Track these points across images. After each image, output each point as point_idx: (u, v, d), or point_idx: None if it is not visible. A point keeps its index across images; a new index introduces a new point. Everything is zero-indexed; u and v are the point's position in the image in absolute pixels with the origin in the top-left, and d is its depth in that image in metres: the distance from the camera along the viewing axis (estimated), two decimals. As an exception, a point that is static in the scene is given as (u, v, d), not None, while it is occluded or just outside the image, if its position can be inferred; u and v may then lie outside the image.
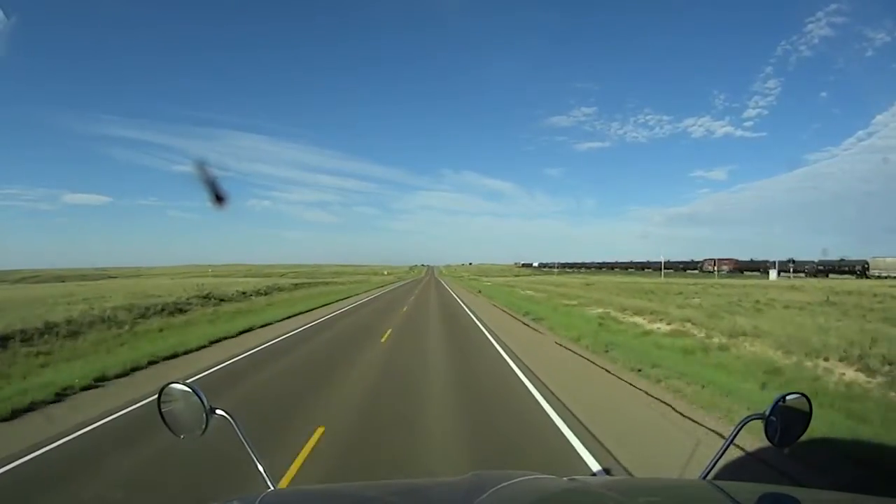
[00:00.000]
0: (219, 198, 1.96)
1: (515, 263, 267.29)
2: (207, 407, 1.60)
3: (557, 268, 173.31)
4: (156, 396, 1.68)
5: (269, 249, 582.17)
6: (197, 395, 1.61)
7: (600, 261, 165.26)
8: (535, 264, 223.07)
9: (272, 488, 1.55)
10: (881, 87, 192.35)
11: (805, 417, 1.65)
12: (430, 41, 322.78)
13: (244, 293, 31.48)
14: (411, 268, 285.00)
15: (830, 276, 76.93)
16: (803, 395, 1.68)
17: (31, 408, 7.37)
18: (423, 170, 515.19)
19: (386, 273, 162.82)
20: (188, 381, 1.66)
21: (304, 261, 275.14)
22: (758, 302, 24.40)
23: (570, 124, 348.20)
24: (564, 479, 1.51)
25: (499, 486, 1.31)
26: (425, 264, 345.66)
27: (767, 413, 1.61)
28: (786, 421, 1.62)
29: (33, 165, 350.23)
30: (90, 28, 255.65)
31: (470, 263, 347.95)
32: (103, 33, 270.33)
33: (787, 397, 1.65)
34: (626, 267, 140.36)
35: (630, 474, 4.77)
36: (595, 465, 5.06)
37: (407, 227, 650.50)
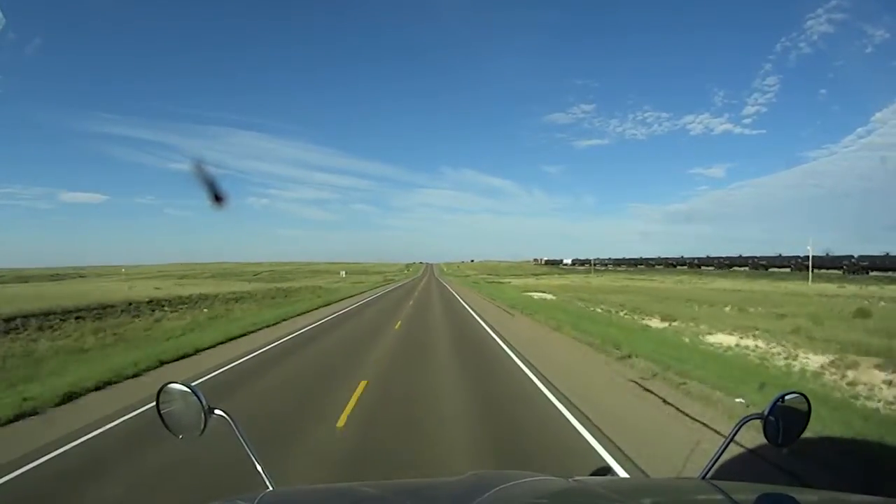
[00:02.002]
0: (218, 197, 1.85)
1: (535, 260, 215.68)
2: (206, 407, 1.58)
3: (597, 265, 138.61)
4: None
5: (266, 247, 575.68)
6: (196, 395, 1.58)
7: (634, 256, 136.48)
8: (567, 261, 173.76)
9: (271, 488, 1.51)
10: (881, 84, 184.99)
11: (804, 417, 1.60)
12: (428, 39, 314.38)
13: None
14: (407, 266, 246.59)
15: None
16: (802, 394, 1.62)
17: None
18: (421, 167, 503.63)
19: (343, 274, 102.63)
20: (187, 382, 1.62)
21: (302, 258, 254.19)
22: None
23: (568, 121, 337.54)
24: (564, 479, 1.48)
25: (499, 487, 1.30)
26: (423, 262, 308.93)
27: (766, 413, 1.56)
28: (785, 420, 1.56)
29: (29, 164, 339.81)
30: (87, 26, 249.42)
31: (472, 260, 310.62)
32: (100, 31, 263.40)
33: (787, 397, 1.59)
34: (673, 264, 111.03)
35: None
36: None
37: (405, 225, 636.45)
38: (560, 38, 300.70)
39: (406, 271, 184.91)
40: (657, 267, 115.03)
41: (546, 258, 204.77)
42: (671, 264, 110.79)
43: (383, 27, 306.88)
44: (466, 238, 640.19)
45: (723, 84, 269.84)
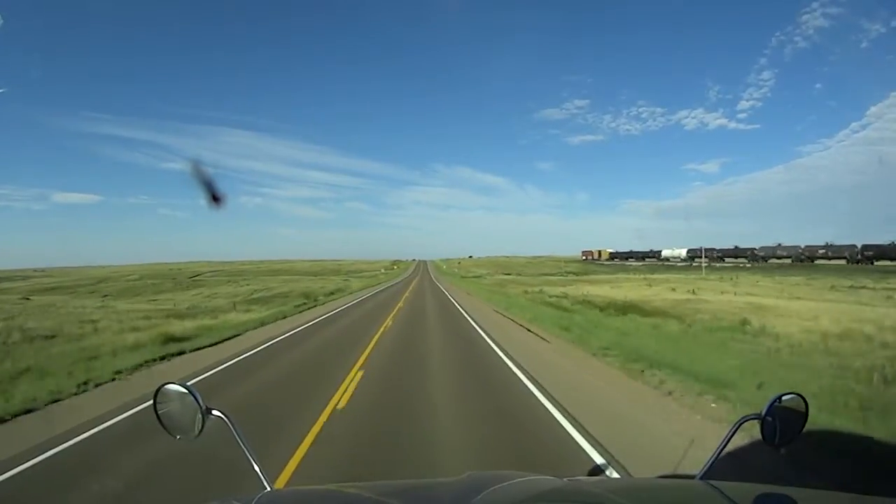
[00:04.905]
0: (215, 197, 1.77)
1: (585, 254, 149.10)
2: (203, 408, 1.55)
3: (756, 260, 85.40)
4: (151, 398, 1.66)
5: (259, 246, 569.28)
6: (193, 395, 1.56)
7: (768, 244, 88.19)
8: (679, 252, 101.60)
9: (268, 489, 1.49)
10: (876, 78, 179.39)
11: (801, 417, 1.58)
12: (423, 38, 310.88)
13: None
14: (393, 263, 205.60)
15: None
16: (799, 395, 1.60)
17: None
18: (415, 165, 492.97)
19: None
20: (184, 383, 1.58)
21: (298, 256, 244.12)
22: None
23: (562, 117, 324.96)
24: (560, 479, 1.46)
25: (495, 487, 1.29)
26: (415, 258, 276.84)
27: (764, 413, 1.55)
28: (782, 421, 1.55)
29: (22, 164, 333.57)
30: (80, 26, 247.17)
31: (469, 257, 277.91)
32: (93, 31, 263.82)
33: (784, 397, 1.57)
34: (834, 255, 72.42)
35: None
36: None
37: (399, 223, 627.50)
38: (554, 35, 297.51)
39: (393, 269, 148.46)
40: (805, 261, 73.28)
41: (610, 250, 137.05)
42: (842, 257, 70.99)
43: (376, 27, 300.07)
44: (461, 235, 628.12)
45: (718, 79, 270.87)
